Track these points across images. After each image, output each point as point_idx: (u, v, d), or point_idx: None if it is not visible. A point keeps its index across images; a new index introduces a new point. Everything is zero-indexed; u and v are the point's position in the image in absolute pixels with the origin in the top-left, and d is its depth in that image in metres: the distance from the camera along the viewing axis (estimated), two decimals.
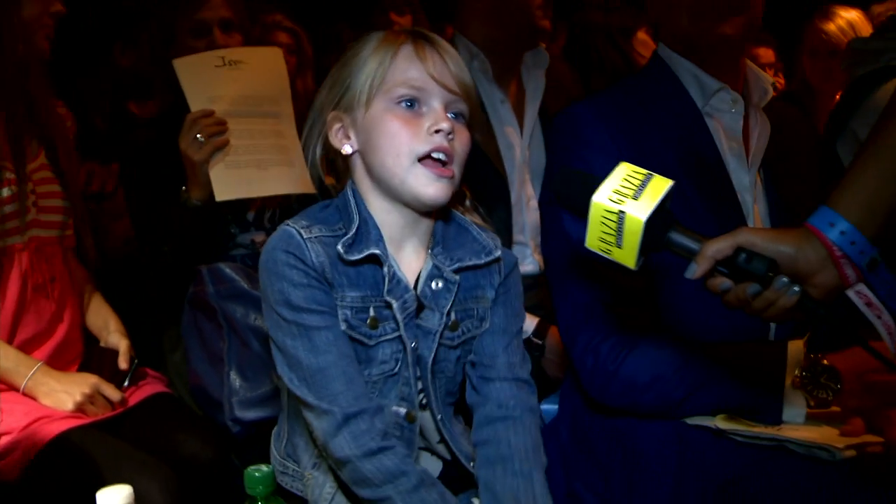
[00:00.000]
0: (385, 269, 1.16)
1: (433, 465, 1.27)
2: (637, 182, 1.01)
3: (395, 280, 1.16)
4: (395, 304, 1.15)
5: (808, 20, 3.01)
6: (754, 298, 1.00)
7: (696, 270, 1.01)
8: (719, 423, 1.25)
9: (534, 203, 1.91)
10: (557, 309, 1.39)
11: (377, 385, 1.18)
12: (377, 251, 1.15)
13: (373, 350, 1.17)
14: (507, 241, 1.84)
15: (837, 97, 2.81)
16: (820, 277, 1.00)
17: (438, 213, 1.23)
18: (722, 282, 1.02)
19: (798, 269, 1.00)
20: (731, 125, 1.41)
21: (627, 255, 1.01)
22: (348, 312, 1.15)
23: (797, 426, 1.23)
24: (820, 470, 1.13)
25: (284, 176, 1.85)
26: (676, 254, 1.03)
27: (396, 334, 1.17)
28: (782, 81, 3.66)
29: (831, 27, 2.89)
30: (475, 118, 1.21)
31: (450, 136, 1.14)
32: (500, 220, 1.84)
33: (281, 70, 1.92)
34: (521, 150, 1.94)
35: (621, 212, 0.99)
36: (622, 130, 1.36)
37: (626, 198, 0.99)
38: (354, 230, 1.15)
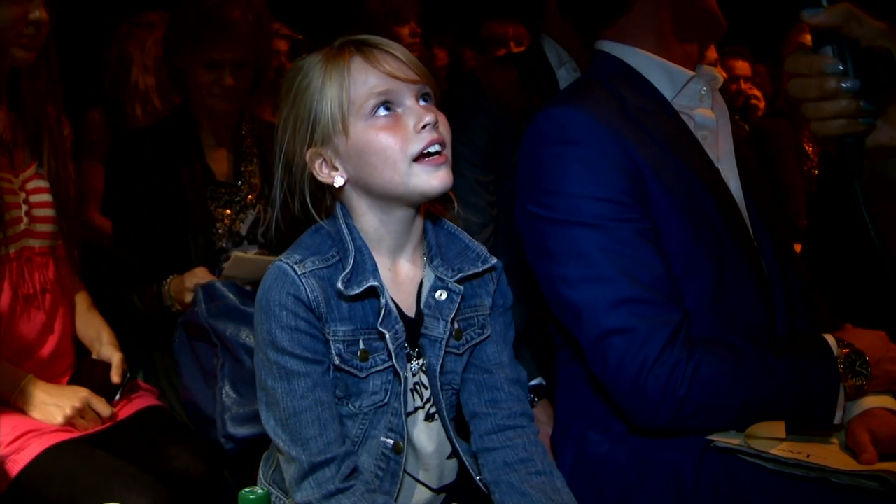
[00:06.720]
0: (382, 300, 1.16)
1: (423, 496, 1.25)
2: None
3: (388, 310, 1.16)
4: (387, 335, 1.16)
5: (789, 34, 3.09)
6: (839, 94, 0.92)
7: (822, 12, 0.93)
8: (751, 441, 1.21)
9: None
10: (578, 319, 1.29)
11: (367, 417, 1.19)
12: (375, 283, 1.15)
13: (364, 382, 1.17)
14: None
15: None
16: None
17: (424, 214, 1.23)
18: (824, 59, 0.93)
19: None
20: (702, 117, 1.39)
21: None
22: (341, 346, 1.15)
23: (823, 453, 1.20)
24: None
25: None
26: None
27: (386, 365, 1.18)
28: (758, 94, 3.72)
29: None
30: (438, 96, 1.20)
31: (436, 125, 1.14)
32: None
33: None
34: None
35: None
36: (625, 134, 1.30)
37: None
38: (351, 264, 1.15)
